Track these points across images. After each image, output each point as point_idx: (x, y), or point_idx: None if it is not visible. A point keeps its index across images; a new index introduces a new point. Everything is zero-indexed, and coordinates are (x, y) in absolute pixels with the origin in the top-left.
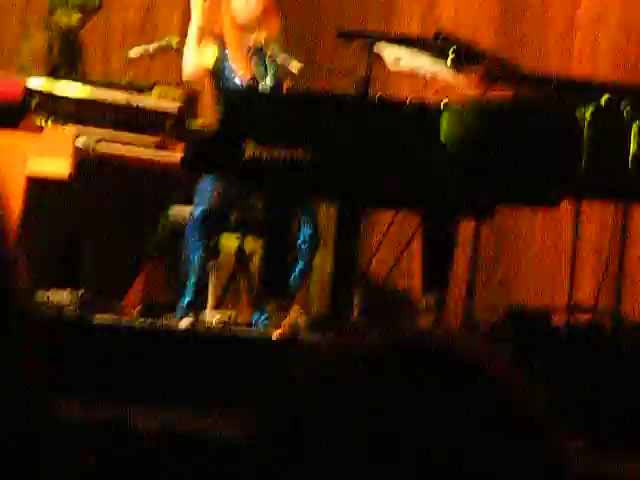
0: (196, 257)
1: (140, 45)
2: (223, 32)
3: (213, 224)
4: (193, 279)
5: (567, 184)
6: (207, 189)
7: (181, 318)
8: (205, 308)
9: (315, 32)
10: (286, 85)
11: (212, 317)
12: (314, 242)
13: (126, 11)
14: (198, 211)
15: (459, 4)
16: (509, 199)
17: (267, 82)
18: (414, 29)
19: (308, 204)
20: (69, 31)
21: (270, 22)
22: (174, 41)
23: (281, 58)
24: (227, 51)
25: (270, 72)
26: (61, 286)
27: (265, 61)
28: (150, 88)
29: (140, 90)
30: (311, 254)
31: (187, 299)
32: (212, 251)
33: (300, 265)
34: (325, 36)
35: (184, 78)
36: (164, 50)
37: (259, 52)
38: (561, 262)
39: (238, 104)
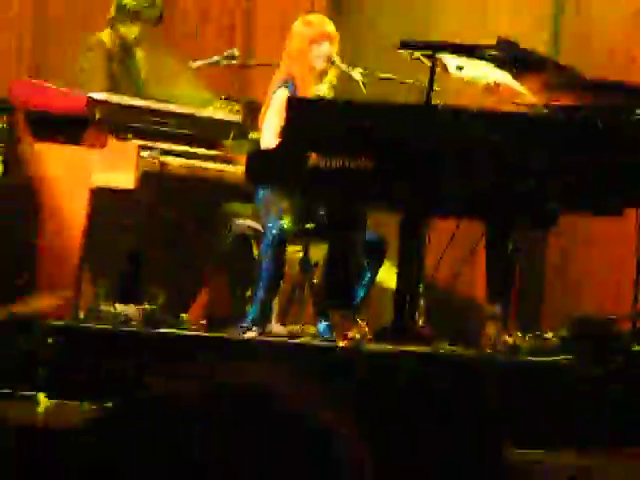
0: (269, 275)
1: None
2: (296, 76)
3: (287, 241)
4: (263, 296)
5: (630, 192)
6: (279, 206)
7: (244, 333)
8: (270, 321)
9: (372, 44)
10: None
11: (278, 330)
12: (379, 253)
13: (185, 22)
14: (275, 230)
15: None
16: (574, 207)
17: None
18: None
19: (371, 214)
20: (129, 44)
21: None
22: (237, 53)
23: (345, 69)
24: (296, 90)
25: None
26: (125, 299)
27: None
28: (209, 102)
29: (201, 103)
30: (376, 265)
31: (253, 315)
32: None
33: (365, 276)
34: (383, 48)
35: (264, 145)
36: (227, 61)
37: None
38: (626, 270)
39: (301, 113)
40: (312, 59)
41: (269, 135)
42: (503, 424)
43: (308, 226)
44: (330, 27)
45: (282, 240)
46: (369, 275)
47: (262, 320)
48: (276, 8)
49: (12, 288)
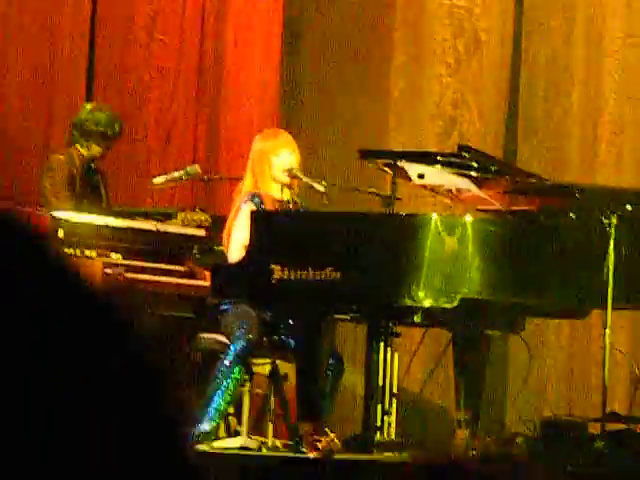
0: (229, 383)
1: (164, 174)
2: (261, 190)
3: (252, 355)
4: (222, 405)
5: (596, 296)
6: (244, 321)
7: (199, 443)
8: (241, 434)
9: (341, 153)
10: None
11: (248, 443)
12: (338, 370)
13: (146, 139)
14: (239, 345)
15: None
16: (539, 312)
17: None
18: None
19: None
20: (90, 161)
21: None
22: (198, 169)
23: (306, 180)
24: (262, 204)
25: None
26: None
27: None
28: (173, 215)
29: (164, 217)
30: (337, 380)
31: (210, 424)
32: (246, 373)
33: (328, 390)
34: (351, 158)
35: (231, 259)
36: (188, 177)
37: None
38: (591, 371)
39: (265, 226)
40: (273, 172)
41: (235, 248)
42: None
43: (274, 339)
44: (288, 138)
45: (248, 353)
46: (331, 389)
47: (214, 431)
48: (240, 120)
49: None
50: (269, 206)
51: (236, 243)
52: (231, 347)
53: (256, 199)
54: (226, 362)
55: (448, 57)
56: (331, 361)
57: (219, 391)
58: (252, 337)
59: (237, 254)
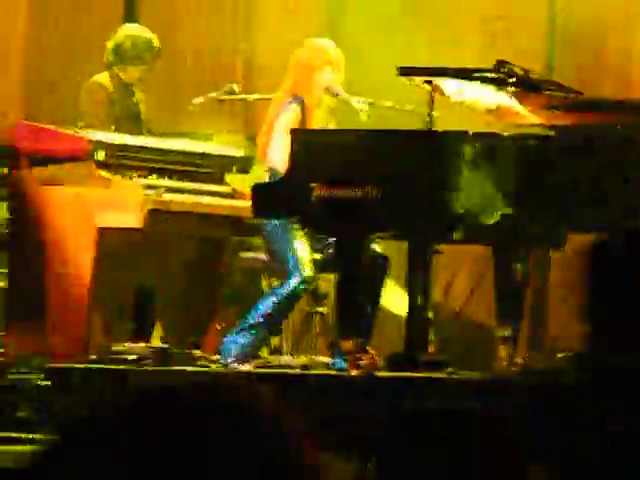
0: (277, 320)
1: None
2: (307, 97)
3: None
4: (262, 333)
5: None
6: (298, 254)
7: (240, 364)
8: (281, 353)
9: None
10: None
11: (289, 361)
12: (384, 269)
13: (185, 60)
14: (296, 282)
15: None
16: (580, 227)
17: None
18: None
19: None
20: (129, 84)
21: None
22: (237, 88)
23: (347, 98)
24: (306, 114)
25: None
26: (135, 337)
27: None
28: (210, 137)
29: (204, 138)
30: (380, 281)
31: (246, 347)
32: None
33: (371, 296)
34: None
35: (270, 161)
36: (227, 96)
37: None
38: None
39: (306, 144)
40: (314, 86)
41: (277, 154)
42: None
43: (316, 257)
44: (335, 55)
45: (305, 289)
46: (374, 300)
47: (254, 353)
48: (275, 48)
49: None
50: (310, 118)
51: (278, 149)
52: (288, 282)
53: (298, 104)
54: (279, 293)
55: None
56: (379, 261)
57: (262, 319)
58: (307, 273)
59: (279, 160)
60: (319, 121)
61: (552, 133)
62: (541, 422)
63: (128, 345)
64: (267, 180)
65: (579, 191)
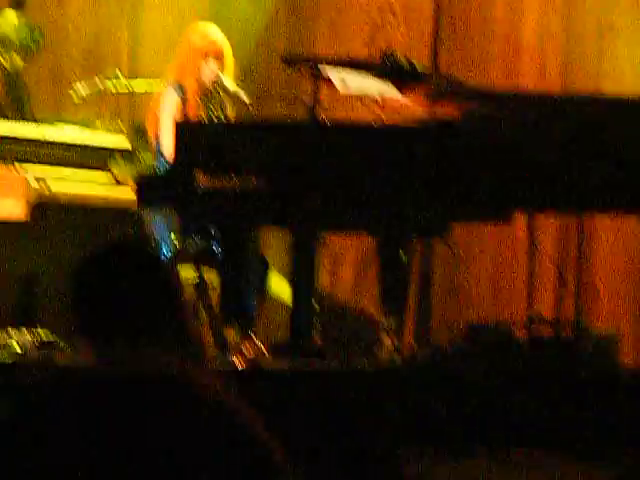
0: None
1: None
2: (185, 85)
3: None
4: None
5: (518, 198)
6: (164, 227)
7: None
8: None
9: (266, 61)
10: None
11: None
12: (264, 272)
13: (70, 48)
14: (162, 252)
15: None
16: (462, 216)
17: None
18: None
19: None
20: (12, 72)
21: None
22: (120, 74)
23: (231, 89)
24: (186, 97)
25: (219, 106)
26: (18, 326)
27: (213, 97)
28: (92, 124)
29: (86, 125)
30: (262, 283)
31: None
32: None
33: (253, 294)
34: (275, 65)
35: (166, 155)
36: (111, 82)
37: (209, 92)
38: (518, 277)
39: (189, 135)
40: (200, 75)
41: (168, 139)
42: (403, 434)
43: (199, 246)
44: (222, 43)
45: (170, 259)
46: (257, 287)
47: None
48: (160, 31)
49: None
50: (191, 103)
51: (167, 134)
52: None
53: (178, 90)
54: None
55: None
56: (256, 264)
57: None
58: (175, 244)
59: (170, 144)
60: (200, 109)
61: (434, 123)
62: None
63: (11, 333)
64: (154, 170)
65: (458, 180)
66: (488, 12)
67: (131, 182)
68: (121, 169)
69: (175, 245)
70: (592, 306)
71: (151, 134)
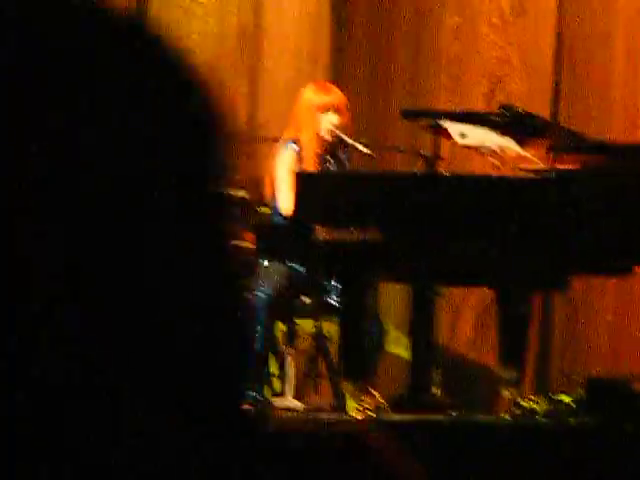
0: (259, 344)
1: None
2: (302, 141)
3: (278, 309)
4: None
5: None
6: (272, 273)
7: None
8: (285, 395)
9: (383, 114)
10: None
11: (293, 404)
12: (380, 330)
13: None
14: (263, 294)
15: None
16: (583, 269)
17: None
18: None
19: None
20: None
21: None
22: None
23: (351, 143)
24: (302, 153)
25: (337, 161)
26: None
27: (333, 154)
28: None
29: None
30: (380, 340)
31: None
32: (288, 338)
33: (371, 350)
34: (394, 117)
35: (283, 208)
36: None
37: (328, 146)
38: (635, 329)
39: (310, 188)
40: (318, 128)
41: (285, 196)
42: None
43: (319, 299)
44: (339, 97)
45: (270, 304)
46: (375, 344)
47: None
48: (280, 77)
49: None
50: (308, 158)
51: (284, 190)
52: (257, 296)
53: (294, 146)
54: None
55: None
56: (373, 324)
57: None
58: (278, 289)
59: (288, 199)
60: (318, 164)
61: (553, 176)
62: None
63: None
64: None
65: (580, 234)
66: (609, 65)
67: (248, 234)
68: (238, 220)
69: (271, 295)
70: None
71: (268, 192)
